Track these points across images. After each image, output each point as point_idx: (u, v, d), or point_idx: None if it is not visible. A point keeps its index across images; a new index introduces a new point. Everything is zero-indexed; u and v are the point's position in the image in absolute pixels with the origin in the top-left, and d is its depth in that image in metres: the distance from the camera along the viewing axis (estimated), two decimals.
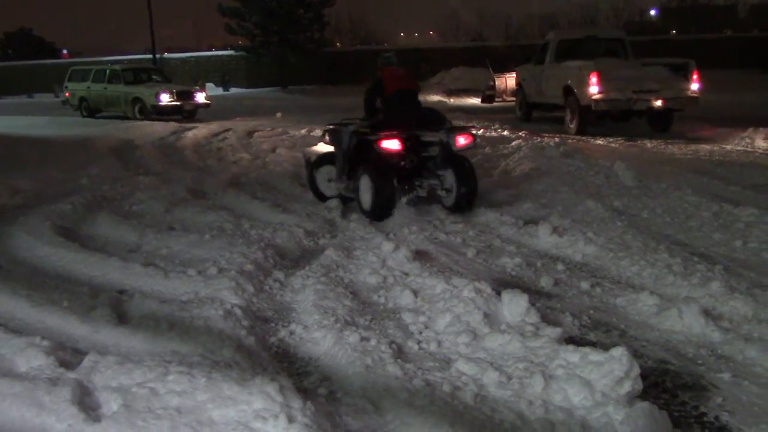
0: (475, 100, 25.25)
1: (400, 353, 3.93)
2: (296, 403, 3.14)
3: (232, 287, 4.93)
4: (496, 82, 21.28)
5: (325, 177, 7.92)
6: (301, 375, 3.83)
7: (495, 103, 21.57)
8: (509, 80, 20.55)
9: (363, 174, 7.13)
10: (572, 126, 14.77)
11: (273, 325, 4.57)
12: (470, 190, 7.20)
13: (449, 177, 7.26)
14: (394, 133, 7.03)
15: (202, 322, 4.40)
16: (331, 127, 7.98)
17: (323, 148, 8.17)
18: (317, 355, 4.05)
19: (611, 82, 13.71)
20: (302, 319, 4.57)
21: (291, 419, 3.01)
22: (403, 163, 7.21)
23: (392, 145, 6.97)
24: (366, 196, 7.11)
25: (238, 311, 4.56)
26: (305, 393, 3.46)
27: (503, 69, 21.29)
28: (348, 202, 7.65)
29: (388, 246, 5.80)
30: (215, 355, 3.85)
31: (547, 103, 16.65)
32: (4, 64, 48.03)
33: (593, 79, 13.73)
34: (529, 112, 18.04)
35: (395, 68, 7.73)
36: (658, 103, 13.72)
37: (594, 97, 13.77)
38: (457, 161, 7.27)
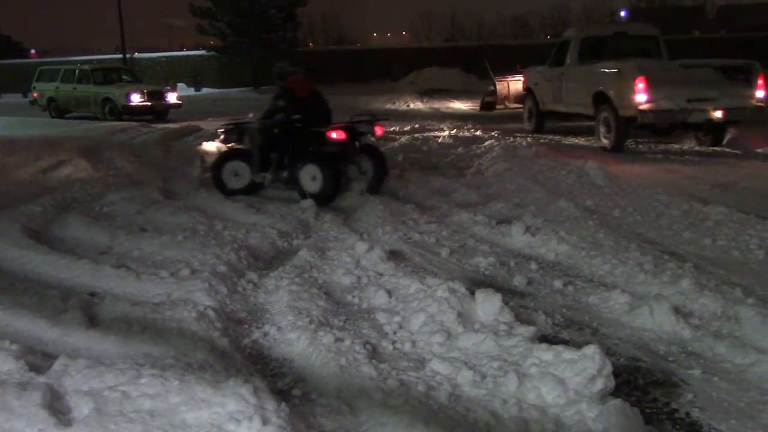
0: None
1: (374, 353, 3.93)
2: (270, 404, 3.13)
3: (205, 289, 4.89)
4: (497, 87, 18.64)
5: (230, 172, 8.67)
6: (275, 376, 3.81)
7: (495, 110, 19.09)
8: (512, 85, 18.02)
9: (308, 163, 8.10)
10: (606, 141, 12.10)
11: (247, 326, 4.55)
12: (383, 172, 8.61)
13: (365, 162, 8.56)
14: (341, 125, 8.20)
15: (174, 324, 4.36)
16: (230, 127, 8.85)
17: (210, 147, 9.44)
18: (291, 356, 4.04)
19: (661, 89, 11.15)
20: (276, 320, 4.55)
21: (265, 421, 2.99)
22: (344, 150, 8.32)
23: (340, 135, 8.05)
24: (313, 182, 8.08)
25: (212, 313, 4.52)
26: (279, 394, 3.45)
27: (495, 71, 19.10)
28: (255, 191, 8.63)
29: (362, 246, 5.79)
30: (188, 357, 3.82)
31: (566, 113, 14.21)
32: None
33: (640, 85, 11.09)
34: (541, 121, 15.38)
35: (298, 77, 8.88)
36: (718, 114, 11.15)
37: (641, 107, 11.13)
38: (372, 149, 8.71)
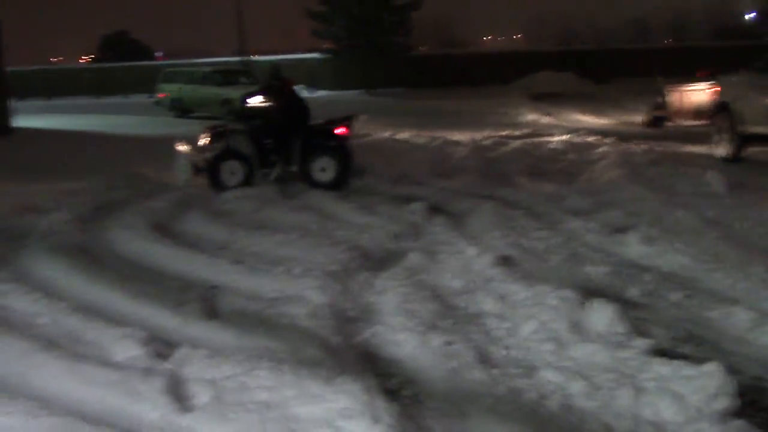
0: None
1: (484, 358, 3.91)
2: (380, 403, 3.17)
3: (318, 286, 5.01)
4: (668, 99, 15.65)
5: (227, 171, 9.21)
6: (385, 376, 3.86)
7: (660, 127, 16.41)
8: (689, 96, 14.83)
9: (319, 156, 9.28)
10: None
11: (358, 325, 4.62)
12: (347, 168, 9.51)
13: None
14: (345, 122, 9.52)
15: (288, 319, 4.49)
16: (218, 132, 9.53)
17: (184, 148, 9.54)
18: (401, 357, 4.08)
19: None
20: (386, 320, 4.60)
21: (376, 419, 3.04)
22: (345, 144, 9.52)
23: (343, 131, 9.44)
24: (324, 173, 9.27)
25: (324, 310, 4.63)
26: (389, 394, 3.49)
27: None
28: (247, 185, 9.10)
29: (471, 250, 5.78)
30: (302, 352, 3.92)
31: None
32: (103, 65, 50.05)
33: None
34: (740, 147, 11.00)
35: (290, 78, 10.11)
36: None
37: None
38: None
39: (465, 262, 5.63)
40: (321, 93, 36.52)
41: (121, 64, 47.62)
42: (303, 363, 3.71)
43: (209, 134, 9.50)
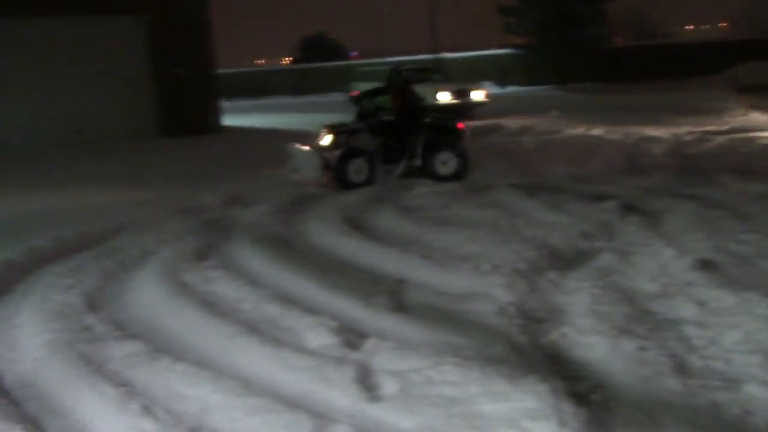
0: None
1: (681, 368, 3.69)
2: (568, 407, 3.10)
3: (505, 284, 4.97)
4: None
5: (354, 169, 9.42)
6: (573, 379, 3.75)
7: None
8: None
9: (441, 151, 9.82)
10: None
11: (545, 325, 4.53)
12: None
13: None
14: (462, 119, 10.63)
15: (475, 316, 4.50)
16: (342, 131, 9.77)
17: (307, 147, 9.70)
18: (590, 361, 3.95)
19: None
20: (576, 322, 4.47)
21: (562, 423, 2.97)
22: (462, 138, 10.14)
23: (462, 127, 10.20)
24: (444, 166, 9.81)
25: (511, 309, 4.59)
26: (577, 398, 3.39)
27: None
28: (369, 184, 9.39)
29: (669, 252, 5.48)
30: (487, 350, 3.91)
31: None
32: (301, 66, 52.72)
33: None
34: None
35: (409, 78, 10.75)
36: None
37: None
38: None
39: (662, 265, 5.34)
40: (511, 89, 36.18)
41: (318, 65, 49.84)
42: (489, 361, 3.70)
43: (332, 133, 9.71)
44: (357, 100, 10.25)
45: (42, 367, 4.07)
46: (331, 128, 9.84)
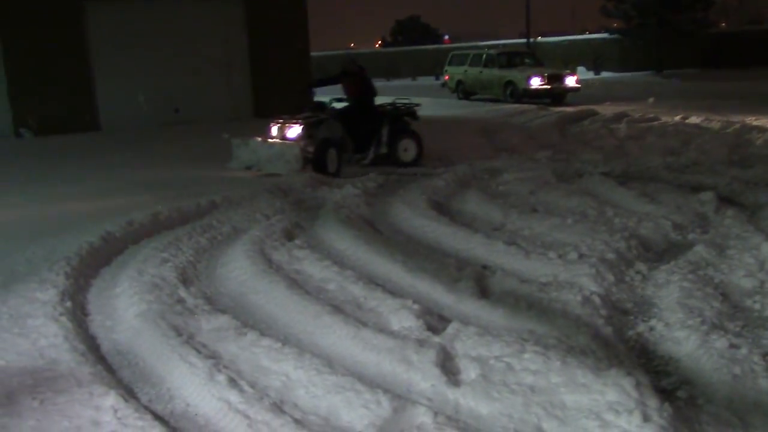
0: None
1: None
2: (653, 401, 3.03)
3: (592, 274, 4.88)
4: None
5: (329, 159, 9.29)
6: (659, 374, 3.67)
7: None
8: None
9: (403, 138, 10.20)
10: None
11: (632, 318, 4.43)
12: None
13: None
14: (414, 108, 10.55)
15: (559, 305, 4.44)
16: (313, 121, 9.57)
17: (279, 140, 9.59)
18: (678, 356, 3.84)
19: None
20: (664, 315, 4.35)
21: (646, 417, 2.91)
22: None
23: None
24: (406, 153, 10.24)
25: (597, 299, 4.50)
26: (663, 393, 3.31)
27: None
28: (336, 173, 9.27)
29: None
30: (570, 340, 3.86)
31: None
32: (394, 49, 52.82)
33: None
34: None
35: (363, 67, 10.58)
36: None
37: None
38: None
39: (759, 260, 5.13)
40: (605, 74, 35.24)
41: (410, 48, 49.79)
42: (571, 351, 3.65)
43: (303, 124, 9.47)
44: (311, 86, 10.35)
45: (136, 337, 4.25)
46: (302, 119, 9.63)
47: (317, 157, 9.24)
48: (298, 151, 9.25)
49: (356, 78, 10.17)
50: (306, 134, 9.47)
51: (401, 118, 10.36)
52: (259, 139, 9.77)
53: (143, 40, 16.33)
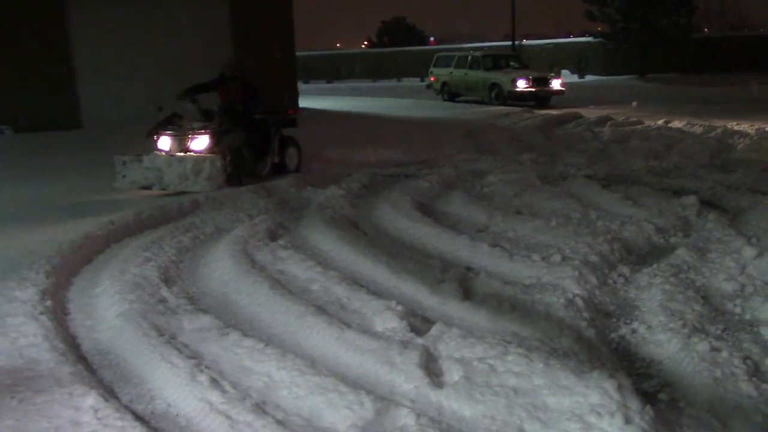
0: None
1: (756, 371, 3.57)
2: (634, 404, 3.04)
3: (575, 277, 4.89)
4: None
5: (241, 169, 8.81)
6: (641, 376, 3.68)
7: None
8: None
9: (289, 146, 9.77)
10: None
11: (614, 320, 4.45)
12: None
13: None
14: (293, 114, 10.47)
15: (542, 307, 4.45)
16: (219, 131, 8.62)
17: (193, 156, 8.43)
18: (660, 359, 3.86)
19: None
20: (646, 318, 4.37)
21: (627, 420, 2.92)
22: None
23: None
24: (292, 161, 9.79)
25: (580, 302, 4.51)
26: (644, 396, 3.32)
27: None
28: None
29: (749, 251, 5.29)
30: (553, 342, 3.87)
31: None
32: (379, 50, 52.82)
33: None
34: None
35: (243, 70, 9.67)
36: None
37: None
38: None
39: (741, 264, 5.16)
40: (589, 78, 35.49)
41: (395, 49, 49.78)
42: (554, 353, 3.66)
43: (210, 134, 8.53)
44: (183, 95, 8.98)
45: (117, 336, 4.21)
46: (209, 128, 8.62)
47: (234, 169, 8.55)
48: (220, 164, 8.28)
49: (239, 83, 9.17)
50: (213, 145, 8.52)
51: (285, 124, 9.82)
52: (160, 152, 8.52)
53: (127, 37, 16.24)
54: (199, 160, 8.27)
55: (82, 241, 5.96)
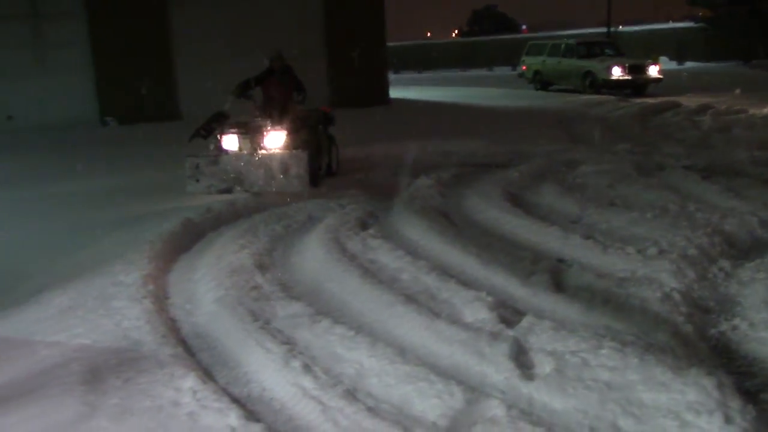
0: None
1: None
2: (735, 403, 2.93)
3: (672, 270, 4.74)
4: None
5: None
6: (742, 375, 3.54)
7: None
8: None
9: (332, 147, 9.09)
10: None
11: (714, 316, 4.29)
12: None
13: None
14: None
15: (637, 301, 4.34)
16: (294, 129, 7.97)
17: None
18: (763, 357, 3.70)
19: None
20: (748, 314, 4.20)
21: (728, 419, 2.82)
22: None
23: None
24: (334, 161, 9.10)
25: (677, 296, 4.37)
26: (746, 395, 3.20)
27: None
28: None
29: None
30: (649, 337, 3.77)
31: None
32: (469, 39, 52.38)
33: None
34: None
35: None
36: None
37: None
38: None
39: None
40: (689, 64, 34.12)
41: (487, 38, 49.26)
42: (650, 348, 3.56)
43: (286, 130, 7.88)
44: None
45: (214, 320, 4.36)
46: (285, 126, 7.90)
47: (311, 166, 7.79)
48: (306, 161, 7.57)
49: (288, 77, 8.46)
50: (290, 142, 7.86)
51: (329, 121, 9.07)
52: (242, 150, 7.84)
53: (223, 33, 16.68)
54: (285, 157, 7.58)
55: (181, 228, 6.19)
